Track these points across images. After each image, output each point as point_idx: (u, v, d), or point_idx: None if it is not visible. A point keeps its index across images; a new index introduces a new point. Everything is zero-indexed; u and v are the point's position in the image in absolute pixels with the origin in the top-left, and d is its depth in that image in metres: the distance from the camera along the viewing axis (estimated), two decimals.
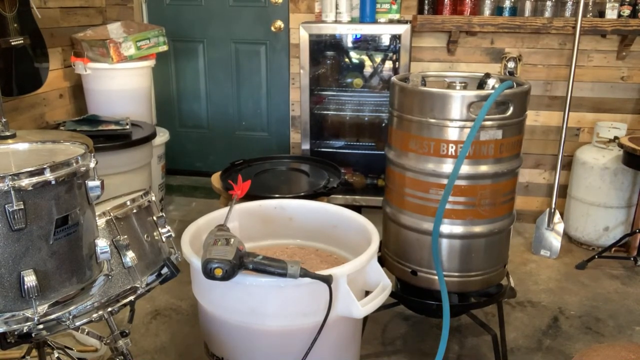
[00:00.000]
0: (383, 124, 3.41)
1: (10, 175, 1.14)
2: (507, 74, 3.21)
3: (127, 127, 2.89)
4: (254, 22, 3.61)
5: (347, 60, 3.45)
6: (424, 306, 2.05)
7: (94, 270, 1.36)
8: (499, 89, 1.74)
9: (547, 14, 3.03)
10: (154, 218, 1.65)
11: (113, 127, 2.88)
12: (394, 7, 3.11)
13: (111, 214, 1.52)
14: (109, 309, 1.48)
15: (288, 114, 3.65)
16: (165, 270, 1.63)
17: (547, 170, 3.39)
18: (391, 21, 3.11)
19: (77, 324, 1.39)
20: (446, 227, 1.86)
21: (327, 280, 1.45)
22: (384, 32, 3.13)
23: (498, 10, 3.08)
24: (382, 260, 2.07)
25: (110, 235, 1.50)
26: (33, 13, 2.75)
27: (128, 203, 1.58)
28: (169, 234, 1.67)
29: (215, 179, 2.53)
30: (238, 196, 1.90)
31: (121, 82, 3.20)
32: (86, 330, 1.92)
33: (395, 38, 3.08)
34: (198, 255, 1.52)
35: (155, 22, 3.63)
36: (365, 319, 1.94)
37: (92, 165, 1.32)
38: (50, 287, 1.24)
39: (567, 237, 3.19)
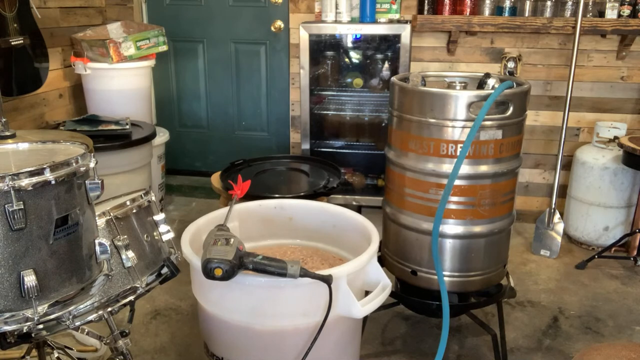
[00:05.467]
0: (383, 124, 3.41)
1: (10, 175, 1.14)
2: (507, 73, 3.21)
3: (127, 127, 2.89)
4: (253, 22, 3.61)
5: (347, 60, 3.45)
6: (423, 306, 2.05)
7: (94, 270, 1.36)
8: (499, 89, 1.74)
9: (547, 14, 3.03)
10: (154, 218, 1.65)
11: (113, 127, 2.88)
12: (394, 7, 3.11)
13: (111, 213, 1.52)
14: (109, 309, 1.48)
15: (288, 114, 3.65)
16: (165, 270, 1.63)
17: (547, 170, 3.39)
18: (391, 21, 3.11)
19: (77, 324, 1.39)
20: (446, 227, 1.86)
21: (327, 280, 1.45)
22: (384, 32, 3.13)
23: (498, 10, 3.08)
24: (382, 260, 2.07)
25: (110, 235, 1.50)
26: (33, 13, 2.75)
27: (128, 203, 1.58)
28: (168, 234, 1.67)
29: (215, 179, 2.53)
30: (238, 196, 1.90)
31: (121, 82, 3.20)
32: (86, 330, 1.92)
33: (395, 38, 3.08)
34: (198, 255, 1.52)
35: (155, 22, 3.63)
36: (365, 318, 1.94)
37: (92, 165, 1.32)
38: (50, 287, 1.24)
39: (567, 237, 3.19)
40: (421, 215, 1.89)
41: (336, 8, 3.08)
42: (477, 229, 1.87)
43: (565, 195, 3.24)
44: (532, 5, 3.05)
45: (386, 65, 3.38)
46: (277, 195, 2.19)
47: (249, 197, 2.05)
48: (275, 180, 2.57)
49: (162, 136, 3.37)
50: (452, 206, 1.84)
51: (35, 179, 1.18)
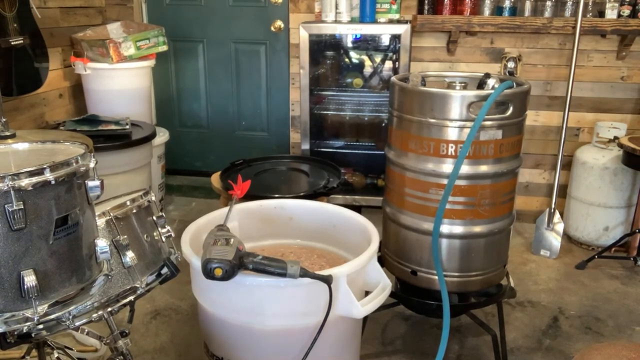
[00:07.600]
0: (383, 124, 3.41)
1: (10, 175, 1.14)
2: (507, 74, 3.21)
3: (127, 127, 2.89)
4: (253, 22, 3.61)
5: (347, 60, 3.45)
6: (424, 306, 2.05)
7: (94, 270, 1.36)
8: (499, 89, 1.74)
9: (547, 14, 3.03)
10: (154, 218, 1.65)
11: (113, 127, 2.88)
12: (394, 7, 3.11)
13: (111, 214, 1.52)
14: (109, 309, 1.48)
15: (288, 114, 3.65)
16: (165, 270, 1.63)
17: (547, 170, 3.39)
18: (391, 21, 3.11)
19: (77, 324, 1.39)
20: (446, 227, 1.86)
21: (327, 280, 1.45)
22: (384, 32, 3.13)
23: (498, 10, 3.08)
24: (382, 260, 2.07)
25: (110, 235, 1.50)
26: (33, 13, 2.75)
27: (128, 203, 1.58)
28: (168, 234, 1.67)
29: (215, 179, 2.53)
30: (238, 196, 1.90)
31: (121, 82, 3.20)
32: (86, 330, 1.92)
33: (395, 38, 3.08)
34: (198, 255, 1.52)
35: (155, 22, 3.63)
36: (365, 318, 1.94)
37: (92, 165, 1.32)
38: (50, 287, 1.24)
39: (567, 237, 3.19)
40: (421, 215, 1.89)
41: (336, 8, 3.08)
42: (477, 229, 1.87)
43: (565, 195, 3.24)
44: (532, 5, 3.05)
45: (386, 65, 3.38)
46: (277, 195, 2.19)
47: (249, 197, 2.05)
48: (275, 180, 2.57)
49: (162, 136, 3.37)
50: (452, 206, 1.84)
51: (35, 179, 1.17)
